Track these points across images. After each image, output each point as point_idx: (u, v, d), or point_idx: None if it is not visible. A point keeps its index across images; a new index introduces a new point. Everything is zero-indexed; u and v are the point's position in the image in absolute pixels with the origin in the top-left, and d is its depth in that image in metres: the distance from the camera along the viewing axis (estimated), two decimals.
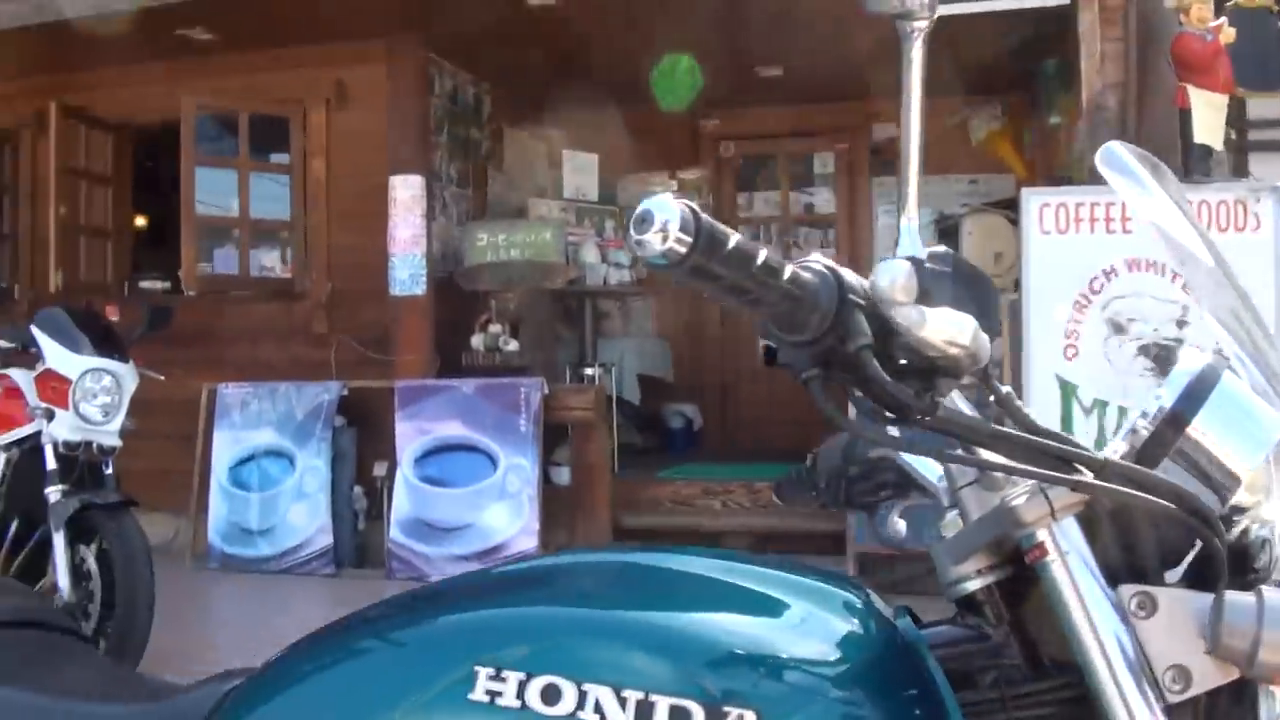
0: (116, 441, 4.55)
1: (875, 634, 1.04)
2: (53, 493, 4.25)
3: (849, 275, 0.90)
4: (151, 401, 6.07)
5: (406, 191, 6.58)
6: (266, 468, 6.75)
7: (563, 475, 6.80)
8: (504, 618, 1.07)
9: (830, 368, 0.91)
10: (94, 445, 4.46)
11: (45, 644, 1.43)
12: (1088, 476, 0.96)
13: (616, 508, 6.68)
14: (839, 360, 0.90)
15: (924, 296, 0.95)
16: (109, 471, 4.56)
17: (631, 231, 0.80)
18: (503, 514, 6.42)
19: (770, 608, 1.04)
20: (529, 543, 6.26)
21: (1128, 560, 1.00)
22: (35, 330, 4.48)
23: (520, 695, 0.93)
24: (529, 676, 0.94)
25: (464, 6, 6.10)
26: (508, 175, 7.92)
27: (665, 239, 0.79)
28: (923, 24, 1.08)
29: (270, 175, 7.06)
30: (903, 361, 0.93)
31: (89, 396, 4.44)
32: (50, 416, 4.36)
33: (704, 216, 0.81)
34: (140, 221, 8.98)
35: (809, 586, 1.08)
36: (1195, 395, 1.01)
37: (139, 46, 6.43)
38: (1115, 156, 1.24)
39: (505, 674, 0.94)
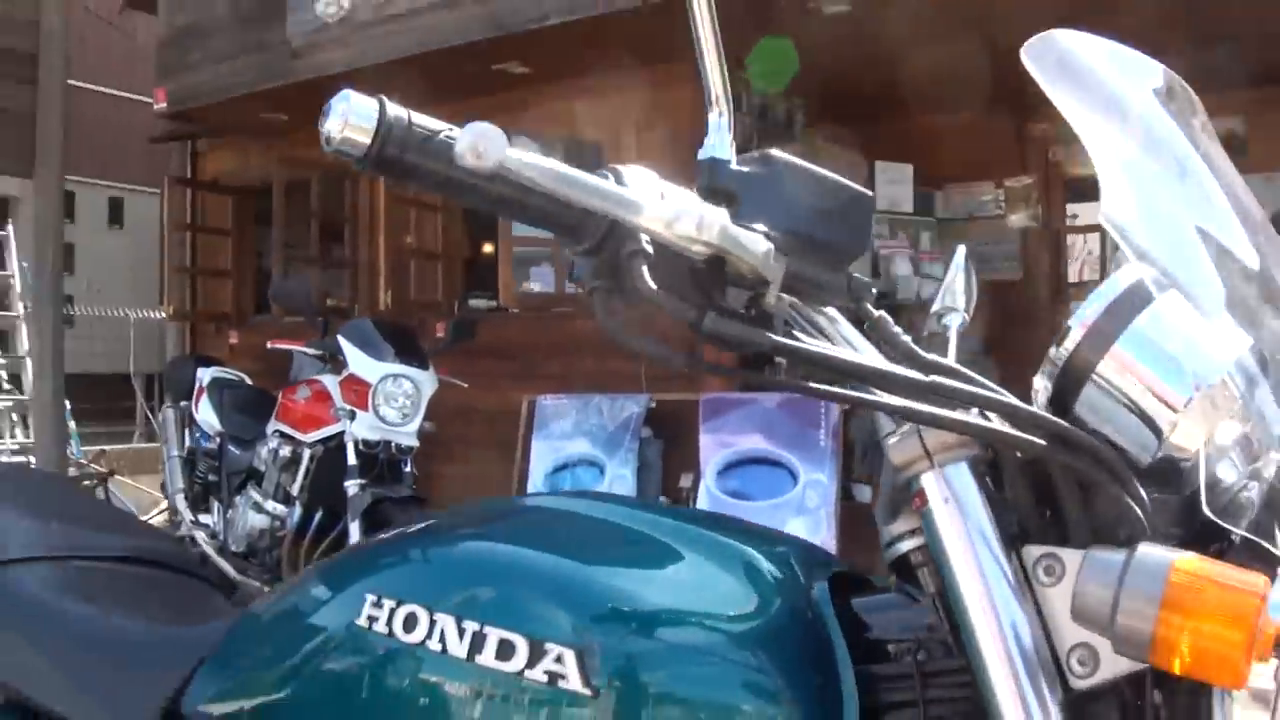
0: (414, 442, 4.88)
1: (768, 597, 0.97)
2: (351, 486, 4.61)
3: (636, 179, 0.84)
4: (477, 412, 6.50)
5: None
6: (580, 476, 7.02)
7: (865, 493, 6.65)
8: (401, 551, 1.13)
9: (616, 277, 0.85)
10: (392, 445, 4.81)
11: (159, 580, 1.59)
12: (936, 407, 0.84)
13: None
14: (618, 270, 0.84)
15: (730, 201, 0.88)
16: (407, 470, 4.90)
17: (318, 125, 0.79)
18: (801, 529, 6.32)
19: (655, 560, 1.01)
20: None
21: (1048, 524, 0.86)
22: (341, 339, 4.89)
23: (389, 622, 0.98)
24: (398, 605, 0.98)
25: (755, 23, 6.15)
26: None
27: (343, 128, 0.77)
28: None
29: None
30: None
31: (388, 400, 4.80)
32: (352, 417, 4.74)
33: (395, 108, 0.78)
34: (488, 248, 9.64)
35: (715, 543, 1.03)
36: (1121, 312, 0.84)
37: (459, 83, 6.92)
38: (1069, 57, 0.98)
39: (383, 602, 0.99)
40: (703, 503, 6.59)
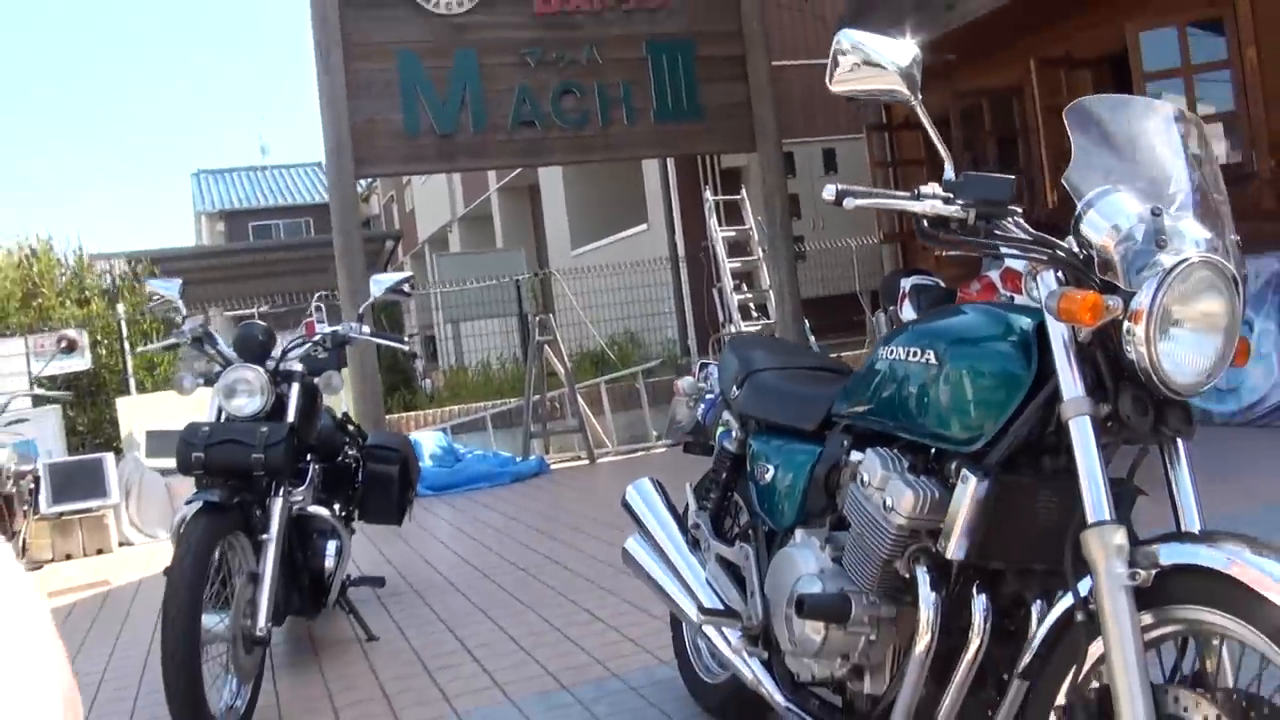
0: None
1: (1008, 330, 2.09)
2: None
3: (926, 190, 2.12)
4: None
5: None
6: None
7: None
8: (905, 329, 2.43)
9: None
10: None
11: (832, 377, 3.06)
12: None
13: None
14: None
15: (954, 191, 2.11)
16: None
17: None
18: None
19: (965, 318, 2.23)
20: None
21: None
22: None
23: (894, 351, 2.29)
24: (897, 348, 2.29)
25: None
26: None
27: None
28: None
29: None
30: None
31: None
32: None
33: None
34: None
35: (996, 314, 2.16)
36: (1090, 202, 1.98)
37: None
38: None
39: (892, 349, 2.32)
40: None
